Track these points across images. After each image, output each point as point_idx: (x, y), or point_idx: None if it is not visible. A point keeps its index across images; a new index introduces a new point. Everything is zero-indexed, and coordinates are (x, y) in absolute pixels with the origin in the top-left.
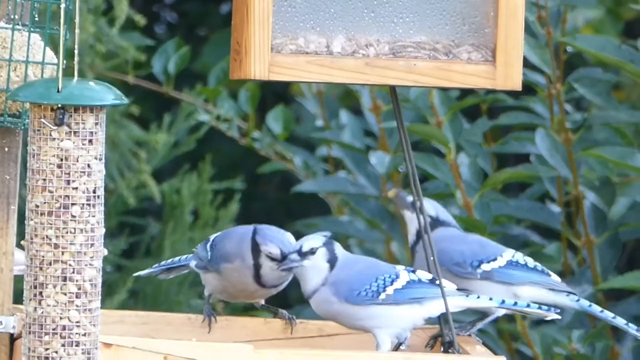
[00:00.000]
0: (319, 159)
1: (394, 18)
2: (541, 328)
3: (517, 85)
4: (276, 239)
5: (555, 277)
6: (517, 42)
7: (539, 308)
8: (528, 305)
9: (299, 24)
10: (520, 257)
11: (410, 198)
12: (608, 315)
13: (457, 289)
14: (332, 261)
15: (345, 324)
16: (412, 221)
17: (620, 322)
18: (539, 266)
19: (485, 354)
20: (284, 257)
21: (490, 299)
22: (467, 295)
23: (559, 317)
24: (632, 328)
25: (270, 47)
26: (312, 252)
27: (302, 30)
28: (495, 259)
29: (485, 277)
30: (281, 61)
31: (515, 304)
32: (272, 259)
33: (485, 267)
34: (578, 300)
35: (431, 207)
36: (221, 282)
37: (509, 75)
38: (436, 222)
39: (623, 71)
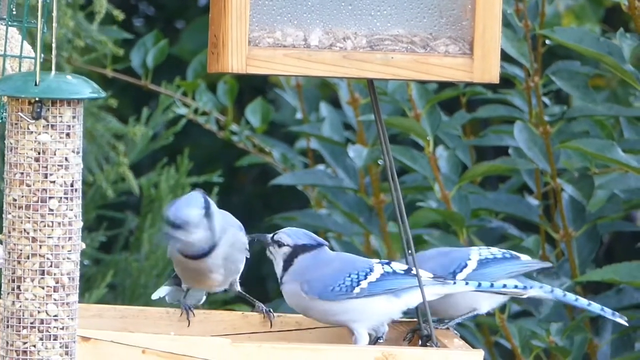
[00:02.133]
0: (298, 151)
1: (371, 11)
2: (519, 321)
3: (495, 78)
4: (176, 204)
5: (524, 257)
6: (494, 34)
7: (515, 287)
8: (505, 286)
9: (277, 17)
10: (486, 252)
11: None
12: (583, 303)
13: (433, 277)
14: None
15: (319, 320)
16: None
17: (595, 308)
18: (507, 253)
19: (463, 347)
20: (167, 222)
21: (467, 283)
22: (444, 284)
23: (532, 291)
24: (607, 312)
25: (247, 40)
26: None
27: (279, 24)
28: (465, 265)
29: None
30: (258, 54)
31: (492, 285)
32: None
33: (460, 276)
34: (552, 291)
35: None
36: (176, 267)
37: (486, 68)
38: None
39: (601, 63)
